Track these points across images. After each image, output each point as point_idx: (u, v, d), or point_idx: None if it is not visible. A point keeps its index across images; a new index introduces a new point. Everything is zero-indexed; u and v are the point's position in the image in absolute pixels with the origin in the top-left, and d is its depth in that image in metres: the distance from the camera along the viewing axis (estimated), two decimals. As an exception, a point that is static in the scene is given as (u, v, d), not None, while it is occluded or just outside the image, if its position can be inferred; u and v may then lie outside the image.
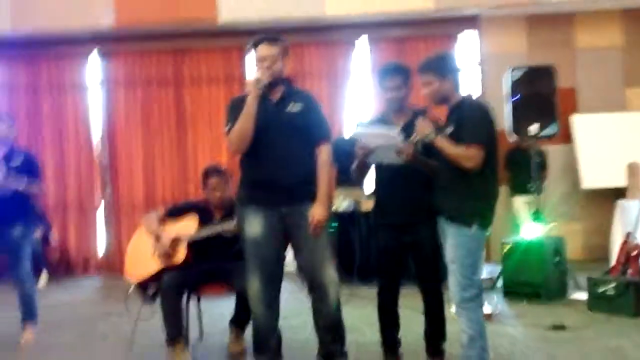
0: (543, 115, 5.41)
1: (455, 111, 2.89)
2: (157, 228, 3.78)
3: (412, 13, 6.81)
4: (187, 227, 3.74)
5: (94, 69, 7.66)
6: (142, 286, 3.82)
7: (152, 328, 3.95)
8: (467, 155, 2.71)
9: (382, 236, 3.22)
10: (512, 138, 5.68)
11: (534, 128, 5.39)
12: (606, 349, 3.63)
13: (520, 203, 6.64)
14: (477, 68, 7.28)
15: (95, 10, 6.88)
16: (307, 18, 6.81)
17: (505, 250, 5.15)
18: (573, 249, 6.56)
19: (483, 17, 7.09)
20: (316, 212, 3.10)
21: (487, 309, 4.36)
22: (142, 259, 3.78)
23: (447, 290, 2.88)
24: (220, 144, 7.35)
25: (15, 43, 7.39)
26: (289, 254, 3.30)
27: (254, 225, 3.14)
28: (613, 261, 5.01)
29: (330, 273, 3.18)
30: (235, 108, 3.20)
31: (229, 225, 3.55)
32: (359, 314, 4.44)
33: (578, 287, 5.21)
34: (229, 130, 3.14)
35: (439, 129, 2.92)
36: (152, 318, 3.83)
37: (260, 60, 3.12)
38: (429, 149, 2.95)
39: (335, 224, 5.90)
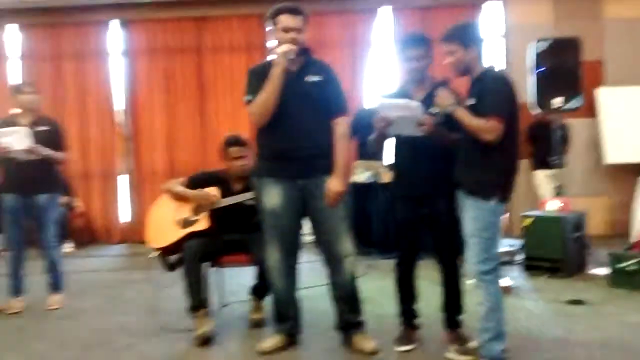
0: (567, 89, 5.31)
1: (476, 84, 2.85)
2: (183, 190, 3.82)
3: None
4: (210, 196, 3.78)
5: (115, 38, 7.68)
6: (165, 254, 3.90)
7: (176, 295, 4.04)
8: (487, 127, 2.68)
9: (400, 208, 3.22)
10: (535, 111, 5.59)
11: (557, 101, 5.31)
12: (625, 325, 3.61)
13: (542, 177, 6.58)
14: (502, 39, 7.15)
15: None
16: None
17: (525, 225, 5.12)
18: (595, 225, 6.52)
19: (508, -14, 6.94)
20: (333, 185, 3.12)
21: (506, 282, 4.38)
22: (164, 227, 3.84)
23: (465, 263, 2.89)
24: (241, 113, 7.36)
25: (37, 11, 7.43)
26: (307, 225, 3.33)
27: (272, 197, 3.16)
28: (635, 237, 4.96)
29: (346, 245, 3.21)
30: (255, 77, 3.20)
31: (249, 196, 3.58)
32: (377, 286, 4.48)
33: (598, 263, 5.18)
34: (250, 101, 3.15)
35: (460, 101, 2.90)
36: (175, 285, 3.92)
37: (284, 30, 3.09)
38: (449, 122, 2.93)
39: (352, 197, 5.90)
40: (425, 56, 3.13)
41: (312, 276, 4.55)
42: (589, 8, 6.97)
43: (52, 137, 4.31)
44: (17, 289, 4.38)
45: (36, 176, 4.24)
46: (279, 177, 3.16)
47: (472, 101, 2.83)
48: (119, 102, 7.75)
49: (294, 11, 3.12)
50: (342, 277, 3.24)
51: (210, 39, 7.54)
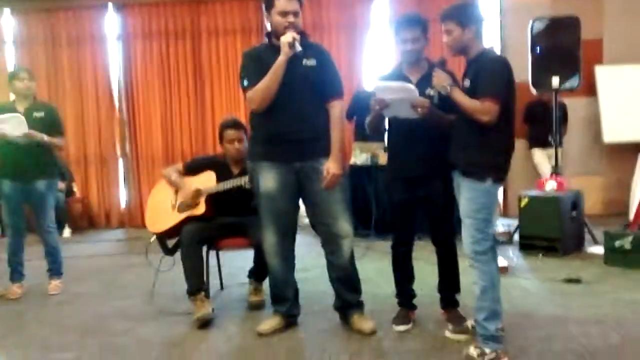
0: (565, 68, 5.30)
1: (473, 65, 2.84)
2: (178, 179, 3.84)
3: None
4: (207, 180, 3.79)
5: (111, 23, 7.63)
6: (163, 238, 3.92)
7: (174, 279, 4.07)
8: (483, 109, 2.68)
9: (395, 190, 3.22)
10: (533, 91, 5.57)
11: (555, 81, 5.29)
12: (620, 302, 3.64)
13: (540, 156, 6.59)
14: (499, 18, 7.10)
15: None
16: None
17: (522, 204, 5.13)
18: (593, 204, 6.54)
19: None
20: (330, 167, 3.12)
21: (503, 262, 4.40)
22: (162, 212, 3.86)
23: (461, 243, 2.90)
24: (237, 96, 7.36)
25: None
26: (303, 207, 3.34)
27: (268, 180, 3.17)
28: (632, 216, 4.98)
29: (344, 226, 3.22)
30: (251, 61, 3.19)
31: (247, 179, 3.58)
32: (375, 267, 4.51)
33: (595, 241, 5.21)
34: (248, 86, 3.12)
35: (456, 82, 2.89)
36: (173, 269, 3.94)
37: (282, 14, 3.07)
38: (444, 103, 2.93)
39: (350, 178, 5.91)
40: (421, 38, 3.11)
41: (310, 257, 4.58)
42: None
43: (49, 122, 4.30)
44: (16, 275, 4.40)
45: (34, 162, 4.24)
46: (274, 161, 3.16)
47: (467, 82, 2.82)
48: (115, 87, 7.72)
49: None
50: (340, 258, 3.25)
51: (206, 22, 7.50)
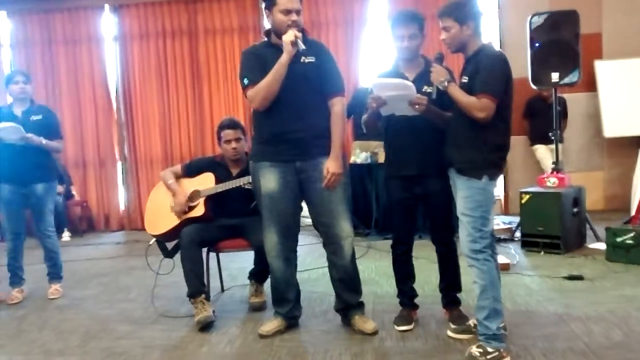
0: (565, 63, 5.26)
1: (471, 61, 2.82)
2: (174, 183, 3.83)
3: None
4: (205, 182, 3.77)
5: (107, 23, 7.61)
6: (162, 241, 3.90)
7: (174, 282, 4.05)
8: (479, 106, 2.66)
9: (394, 188, 3.20)
10: (533, 86, 5.55)
11: (554, 76, 5.26)
12: (623, 298, 3.62)
13: (540, 152, 6.57)
14: (497, 13, 7.07)
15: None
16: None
17: (523, 201, 5.11)
18: (594, 200, 6.52)
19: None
20: (330, 166, 3.10)
21: (504, 259, 4.38)
22: (161, 214, 3.84)
23: (459, 242, 2.88)
24: (236, 96, 7.34)
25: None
26: (305, 207, 3.32)
27: (269, 181, 3.14)
28: (634, 211, 4.96)
29: (344, 227, 3.20)
30: (250, 60, 3.16)
31: (246, 180, 3.57)
32: (376, 267, 4.50)
33: (597, 238, 5.19)
34: (248, 84, 3.09)
35: (453, 78, 2.87)
36: (173, 272, 3.92)
37: (284, 13, 3.03)
38: (442, 101, 2.90)
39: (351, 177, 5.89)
40: (418, 35, 3.08)
41: (311, 258, 4.57)
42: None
43: (46, 126, 4.28)
44: (16, 280, 4.38)
45: (32, 165, 4.21)
46: (275, 161, 3.14)
47: (465, 79, 2.80)
48: (113, 88, 7.70)
49: None
50: (341, 258, 3.23)
51: (203, 22, 7.47)
